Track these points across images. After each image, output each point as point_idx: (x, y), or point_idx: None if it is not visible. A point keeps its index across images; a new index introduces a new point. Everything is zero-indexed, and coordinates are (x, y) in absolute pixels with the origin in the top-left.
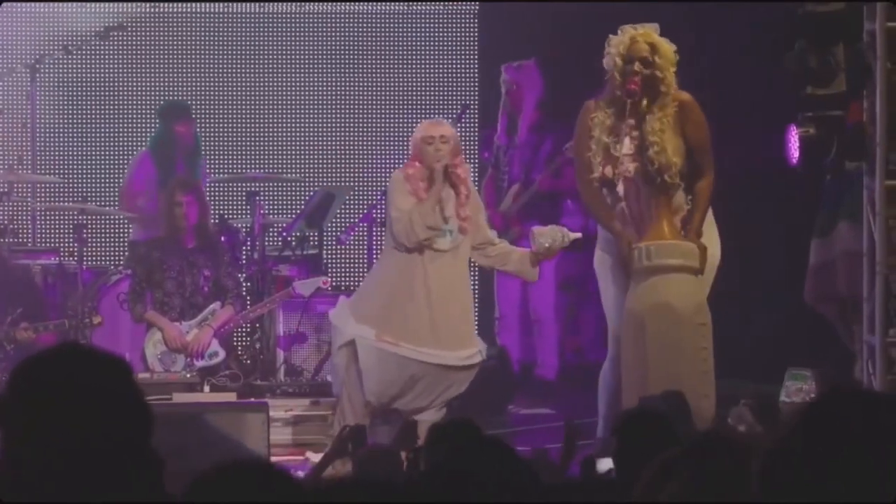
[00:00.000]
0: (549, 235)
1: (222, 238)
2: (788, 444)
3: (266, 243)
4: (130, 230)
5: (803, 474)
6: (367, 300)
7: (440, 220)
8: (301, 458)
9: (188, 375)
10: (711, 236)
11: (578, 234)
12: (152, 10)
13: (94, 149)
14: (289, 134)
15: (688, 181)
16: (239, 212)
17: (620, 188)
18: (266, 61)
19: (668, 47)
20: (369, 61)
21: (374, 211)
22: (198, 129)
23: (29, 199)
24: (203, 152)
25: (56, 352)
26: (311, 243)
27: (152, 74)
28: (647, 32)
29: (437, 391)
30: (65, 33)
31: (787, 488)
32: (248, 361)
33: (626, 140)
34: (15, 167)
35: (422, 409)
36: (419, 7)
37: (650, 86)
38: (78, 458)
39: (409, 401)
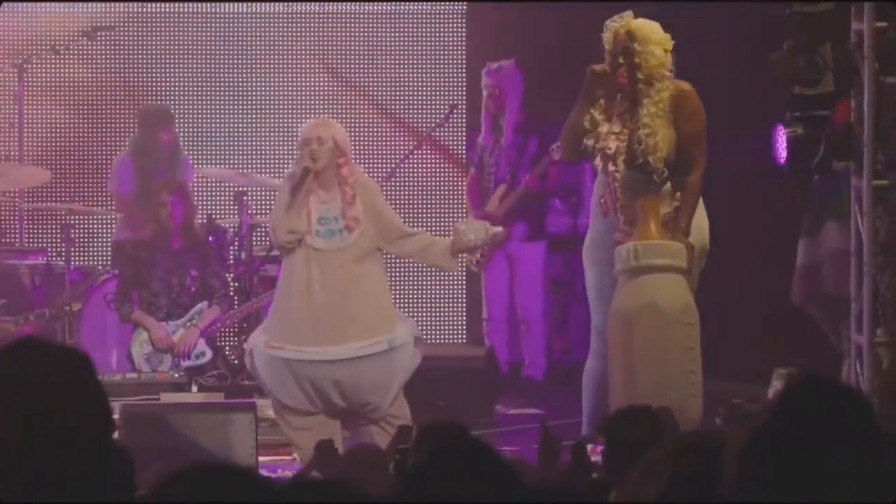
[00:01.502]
0: (473, 230)
1: (210, 238)
2: (759, 442)
3: (254, 243)
4: (114, 230)
5: (776, 471)
6: (270, 310)
7: (303, 224)
8: (289, 458)
9: (176, 376)
10: (699, 219)
11: (500, 229)
12: (141, 10)
13: (81, 149)
14: (277, 134)
15: (677, 175)
16: (226, 212)
17: (598, 162)
18: (255, 61)
19: (646, 31)
20: (357, 61)
21: None
22: (178, 132)
23: (16, 199)
24: (186, 152)
25: (11, 346)
26: None
27: (140, 74)
28: (625, 23)
29: (355, 387)
30: (53, 33)
31: (762, 486)
32: (236, 361)
33: (616, 120)
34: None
35: (365, 409)
36: (406, 7)
37: (634, 72)
38: (35, 454)
39: (349, 403)
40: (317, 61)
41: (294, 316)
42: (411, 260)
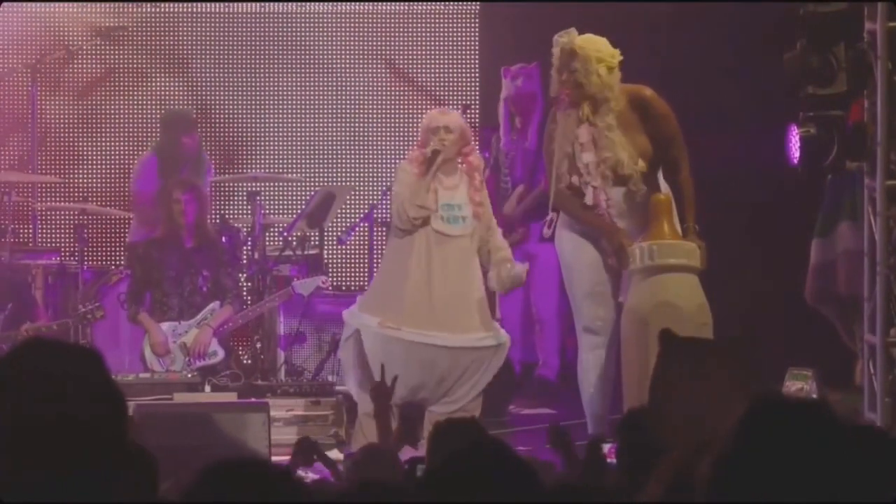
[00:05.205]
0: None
1: (223, 238)
2: (730, 452)
3: (267, 243)
4: (128, 231)
5: (744, 481)
6: (372, 290)
7: (433, 202)
8: None
9: (189, 375)
10: None
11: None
12: (153, 10)
13: (94, 149)
14: (289, 134)
15: (666, 176)
16: (240, 212)
17: (589, 197)
18: (267, 61)
19: (589, 50)
20: (370, 61)
21: (375, 211)
22: (200, 138)
23: (30, 199)
24: (207, 154)
25: (20, 346)
26: (312, 243)
27: (153, 74)
28: (567, 40)
29: (452, 377)
30: (66, 33)
31: (733, 493)
32: (249, 361)
33: (588, 148)
34: (15, 167)
35: (444, 400)
36: (419, 7)
37: (579, 91)
38: (47, 453)
39: (431, 391)
40: (330, 61)
41: (411, 298)
42: None
